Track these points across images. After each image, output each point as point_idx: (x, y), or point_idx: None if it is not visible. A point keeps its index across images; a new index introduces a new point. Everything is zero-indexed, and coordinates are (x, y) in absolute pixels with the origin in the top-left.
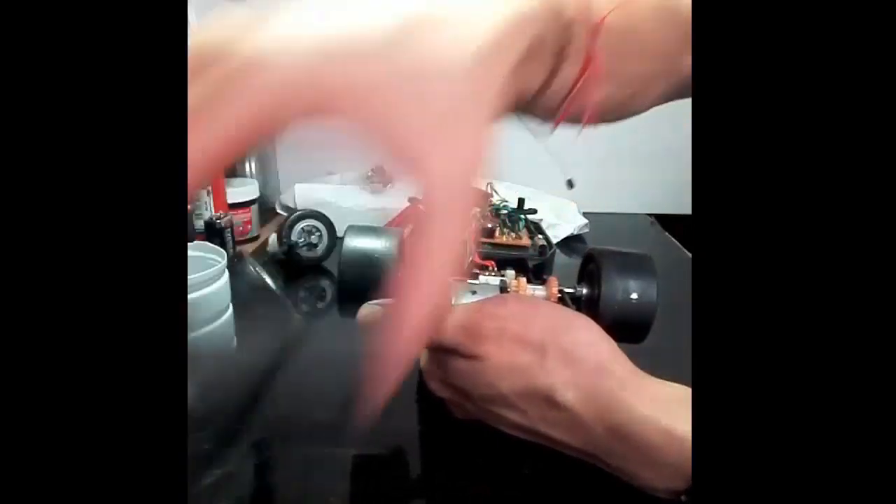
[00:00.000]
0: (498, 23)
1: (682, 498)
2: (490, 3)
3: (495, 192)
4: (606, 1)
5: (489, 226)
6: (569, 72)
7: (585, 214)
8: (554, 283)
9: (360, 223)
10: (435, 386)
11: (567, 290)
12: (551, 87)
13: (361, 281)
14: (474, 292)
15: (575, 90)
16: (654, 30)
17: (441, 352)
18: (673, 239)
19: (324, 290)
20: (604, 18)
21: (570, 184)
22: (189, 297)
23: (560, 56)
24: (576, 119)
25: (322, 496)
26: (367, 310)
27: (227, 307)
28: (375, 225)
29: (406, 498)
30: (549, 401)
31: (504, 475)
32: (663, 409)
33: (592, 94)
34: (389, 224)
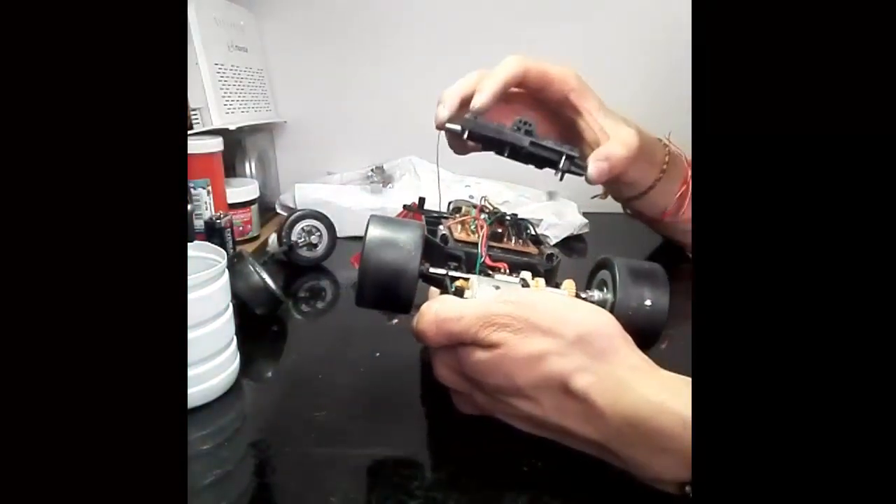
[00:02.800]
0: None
1: (687, 488)
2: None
3: (490, 205)
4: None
5: (499, 230)
6: (667, 185)
7: (585, 214)
8: (571, 286)
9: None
10: (444, 373)
11: (581, 294)
12: (654, 189)
13: (384, 270)
14: (497, 287)
15: (676, 202)
16: None
17: (456, 342)
18: None
19: (324, 289)
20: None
21: (551, 195)
22: (189, 297)
23: (664, 172)
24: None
25: (322, 496)
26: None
27: (227, 307)
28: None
29: (407, 497)
30: (563, 389)
31: (505, 472)
32: (674, 396)
33: (687, 209)
34: None
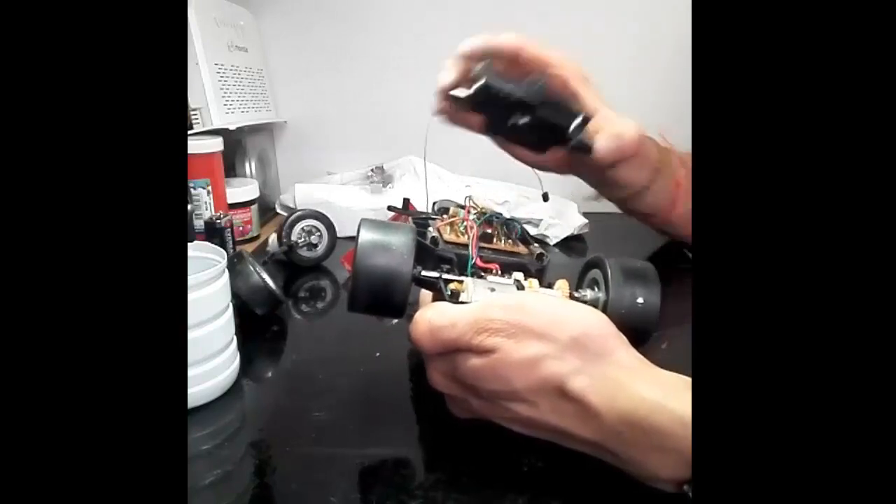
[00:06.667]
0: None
1: (685, 488)
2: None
3: (476, 205)
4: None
5: (488, 231)
6: (661, 183)
7: (585, 214)
8: (565, 285)
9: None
10: (439, 380)
11: (574, 294)
12: (650, 190)
13: (376, 274)
14: (493, 289)
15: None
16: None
17: (451, 349)
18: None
19: (324, 289)
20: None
21: (545, 197)
22: (189, 297)
23: (658, 171)
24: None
25: (322, 496)
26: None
27: (227, 307)
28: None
29: (406, 497)
30: (559, 391)
31: (505, 472)
32: (670, 394)
33: (679, 205)
34: None
